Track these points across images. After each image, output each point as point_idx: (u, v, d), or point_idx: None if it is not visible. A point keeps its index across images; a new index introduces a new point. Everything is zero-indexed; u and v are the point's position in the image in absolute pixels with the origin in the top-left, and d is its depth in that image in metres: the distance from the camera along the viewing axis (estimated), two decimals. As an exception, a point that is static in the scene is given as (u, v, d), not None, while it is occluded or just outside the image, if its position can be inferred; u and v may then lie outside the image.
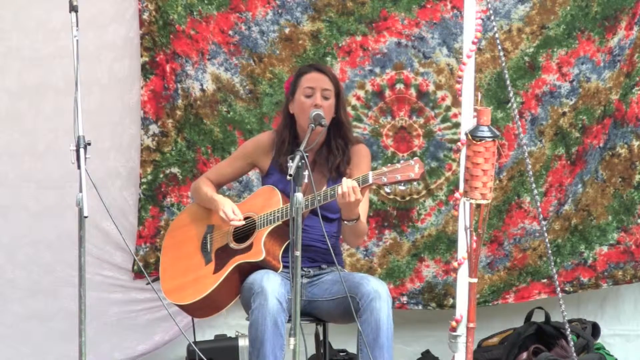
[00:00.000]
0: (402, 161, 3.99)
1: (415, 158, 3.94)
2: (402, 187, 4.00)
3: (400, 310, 5.16)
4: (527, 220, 5.17)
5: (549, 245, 4.06)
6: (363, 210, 4.26)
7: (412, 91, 5.08)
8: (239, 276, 4.21)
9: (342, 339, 4.99)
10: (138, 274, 5.15)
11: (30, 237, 5.14)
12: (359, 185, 3.99)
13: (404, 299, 5.21)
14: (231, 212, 4.26)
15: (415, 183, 4.01)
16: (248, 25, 5.02)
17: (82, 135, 3.47)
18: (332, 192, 4.04)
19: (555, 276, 4.01)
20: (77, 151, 3.45)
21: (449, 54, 5.04)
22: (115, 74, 5.09)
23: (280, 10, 5.01)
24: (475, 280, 3.73)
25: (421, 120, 5.11)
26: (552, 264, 3.90)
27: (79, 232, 3.45)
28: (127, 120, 5.14)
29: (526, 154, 4.22)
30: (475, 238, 3.68)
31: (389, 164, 4.00)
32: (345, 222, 4.12)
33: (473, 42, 3.80)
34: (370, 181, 3.97)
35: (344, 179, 4.02)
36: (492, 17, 3.92)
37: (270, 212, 4.21)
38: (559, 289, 3.98)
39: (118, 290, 5.19)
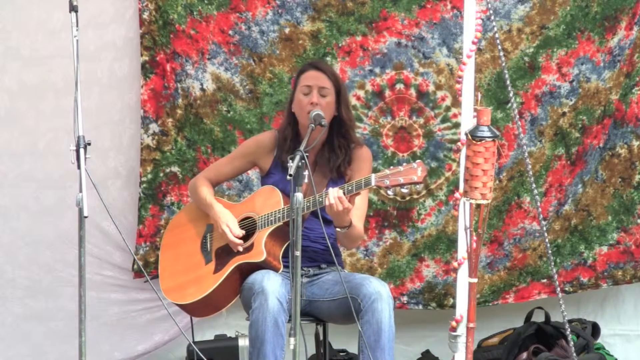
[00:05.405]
0: (404, 164, 3.98)
1: (418, 161, 3.93)
2: (404, 190, 3.98)
3: (401, 310, 5.15)
4: (527, 220, 5.17)
5: (549, 245, 4.06)
6: (361, 213, 4.25)
7: (412, 91, 5.08)
8: (239, 276, 4.21)
9: (342, 339, 4.99)
10: (138, 274, 5.14)
11: (30, 237, 5.13)
12: (362, 187, 3.98)
13: (404, 298, 5.21)
14: (237, 232, 4.25)
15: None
16: (248, 25, 5.02)
17: (82, 135, 3.47)
18: (321, 199, 4.03)
19: (555, 276, 4.01)
20: (77, 151, 3.45)
21: (449, 54, 5.04)
22: (115, 73, 5.09)
23: (280, 10, 5.01)
24: (475, 280, 3.73)
25: (421, 121, 5.10)
26: (552, 264, 3.89)
27: (79, 232, 3.45)
28: (127, 119, 5.13)
29: (526, 154, 4.23)
30: (475, 238, 3.68)
31: (392, 167, 3.99)
32: (338, 229, 4.12)
33: (473, 42, 3.80)
34: (373, 184, 3.95)
35: (330, 189, 4.00)
36: (492, 17, 3.92)
37: (271, 213, 4.20)
38: (558, 289, 3.98)
39: (118, 290, 5.19)
